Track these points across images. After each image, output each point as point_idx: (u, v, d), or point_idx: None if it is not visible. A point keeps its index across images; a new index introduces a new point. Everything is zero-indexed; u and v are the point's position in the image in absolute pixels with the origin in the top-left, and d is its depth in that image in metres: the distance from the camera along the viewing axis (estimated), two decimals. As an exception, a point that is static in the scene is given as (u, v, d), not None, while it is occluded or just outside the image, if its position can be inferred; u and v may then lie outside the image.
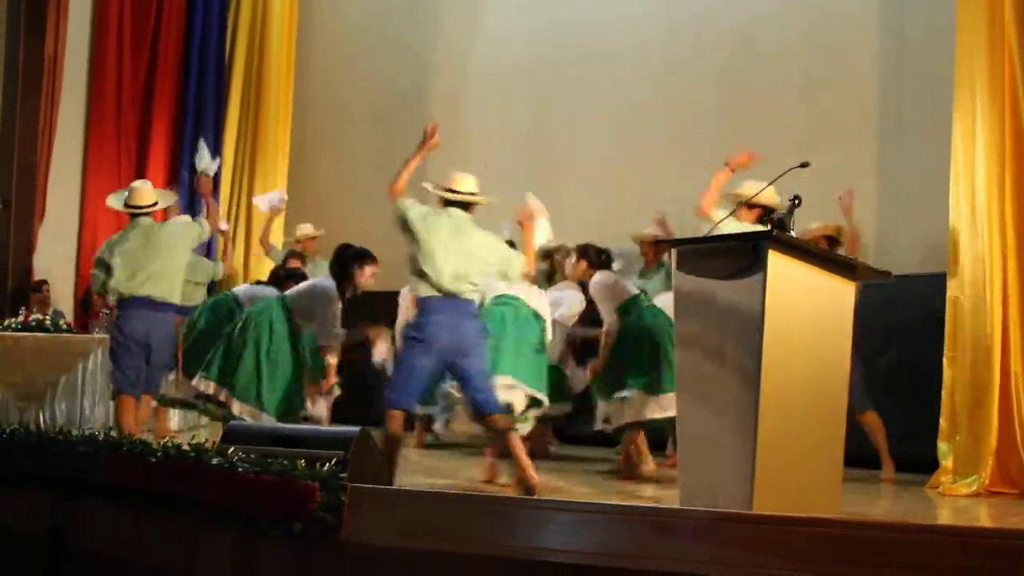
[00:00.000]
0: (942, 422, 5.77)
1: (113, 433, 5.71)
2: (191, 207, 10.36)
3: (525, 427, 6.25)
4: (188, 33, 10.68)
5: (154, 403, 7.11)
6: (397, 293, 7.41)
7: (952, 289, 5.82)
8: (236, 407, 6.13)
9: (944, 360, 5.79)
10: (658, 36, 8.54)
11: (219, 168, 7.55)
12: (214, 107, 10.58)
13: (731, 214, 5.40)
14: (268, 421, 6.00)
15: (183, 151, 10.49)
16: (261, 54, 10.56)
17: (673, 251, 4.52)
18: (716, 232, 4.93)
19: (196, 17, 10.65)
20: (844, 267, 4.50)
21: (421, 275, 5.31)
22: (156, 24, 10.57)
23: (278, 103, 10.44)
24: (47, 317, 8.39)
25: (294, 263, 8.02)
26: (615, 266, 6.79)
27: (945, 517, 5.00)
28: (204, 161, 7.20)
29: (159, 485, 5.05)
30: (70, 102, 10.06)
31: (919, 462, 6.08)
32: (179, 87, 10.65)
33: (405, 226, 5.36)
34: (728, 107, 8.06)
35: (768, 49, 7.94)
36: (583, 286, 6.84)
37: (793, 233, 4.36)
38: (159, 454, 5.12)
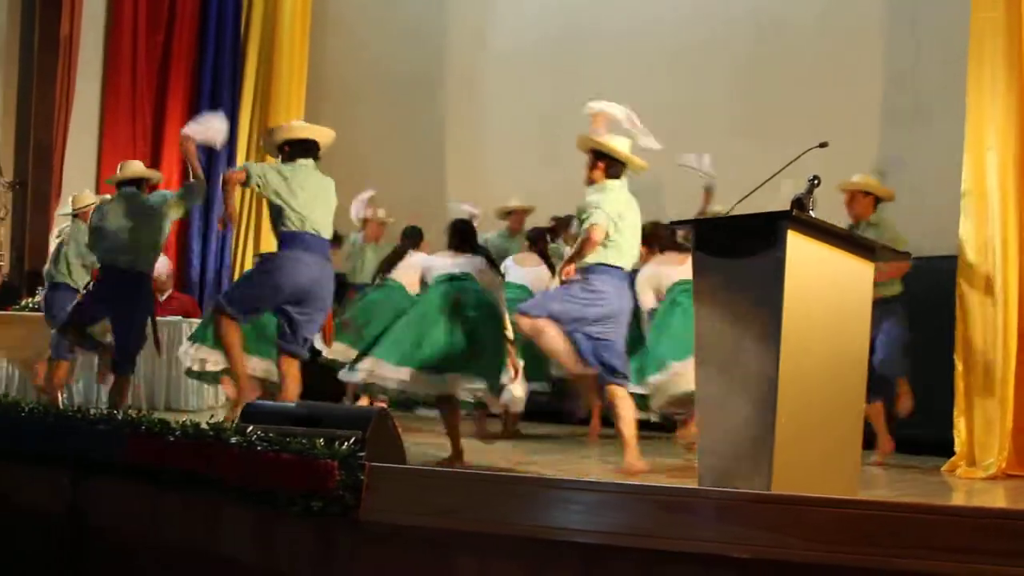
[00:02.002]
0: (956, 405, 5.77)
1: (132, 412, 5.73)
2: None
3: None
4: (204, 13, 10.69)
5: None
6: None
7: (964, 270, 5.78)
8: None
9: (956, 341, 5.77)
10: (672, 15, 8.50)
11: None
12: (229, 88, 10.59)
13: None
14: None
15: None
16: (275, 35, 10.54)
17: (692, 230, 4.51)
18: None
19: (211, -3, 10.67)
20: (863, 248, 4.49)
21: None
22: (172, 4, 10.58)
23: (291, 85, 10.42)
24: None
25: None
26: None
27: (961, 499, 5.00)
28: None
29: (178, 464, 5.07)
30: (85, 82, 10.08)
31: (935, 445, 6.08)
32: (194, 67, 10.67)
33: None
34: (743, 86, 8.04)
35: (783, 30, 7.90)
36: None
37: (813, 213, 4.34)
38: (178, 433, 5.14)
